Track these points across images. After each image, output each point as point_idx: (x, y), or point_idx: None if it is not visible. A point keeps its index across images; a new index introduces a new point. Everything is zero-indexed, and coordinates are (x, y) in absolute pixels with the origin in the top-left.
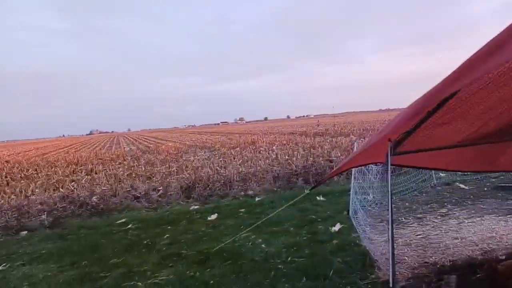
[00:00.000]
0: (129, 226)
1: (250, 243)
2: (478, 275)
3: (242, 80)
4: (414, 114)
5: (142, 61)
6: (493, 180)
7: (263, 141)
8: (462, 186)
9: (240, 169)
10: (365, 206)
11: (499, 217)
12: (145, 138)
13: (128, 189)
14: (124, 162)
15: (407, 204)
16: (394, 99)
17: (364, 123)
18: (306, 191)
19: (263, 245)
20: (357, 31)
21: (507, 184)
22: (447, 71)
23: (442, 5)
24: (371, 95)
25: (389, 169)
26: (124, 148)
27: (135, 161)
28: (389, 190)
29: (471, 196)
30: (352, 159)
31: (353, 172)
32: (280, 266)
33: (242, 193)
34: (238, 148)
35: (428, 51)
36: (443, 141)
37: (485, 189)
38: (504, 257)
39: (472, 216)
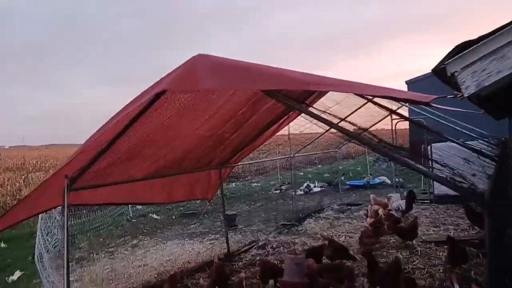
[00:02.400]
0: None
1: None
2: None
3: None
4: (91, 150)
5: None
6: (181, 208)
7: None
8: (155, 216)
9: None
10: (50, 248)
11: (179, 241)
12: None
13: None
14: None
15: (101, 239)
16: None
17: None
18: None
19: None
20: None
21: (190, 212)
22: None
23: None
24: (81, 127)
25: (65, 207)
26: None
27: None
28: (65, 230)
29: (161, 225)
30: (29, 204)
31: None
32: None
33: None
34: None
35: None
36: (122, 175)
37: (173, 217)
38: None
39: (158, 244)
